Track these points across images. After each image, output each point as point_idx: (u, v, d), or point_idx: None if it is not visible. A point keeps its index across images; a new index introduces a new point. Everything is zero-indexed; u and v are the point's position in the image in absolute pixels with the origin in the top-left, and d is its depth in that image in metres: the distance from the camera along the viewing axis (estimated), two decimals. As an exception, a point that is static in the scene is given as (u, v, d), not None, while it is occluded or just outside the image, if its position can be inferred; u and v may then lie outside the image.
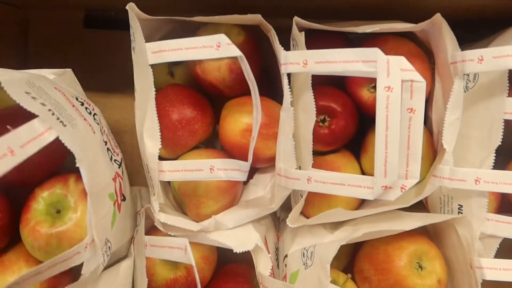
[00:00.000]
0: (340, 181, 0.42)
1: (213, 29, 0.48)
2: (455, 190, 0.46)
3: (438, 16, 0.42)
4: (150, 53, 0.41)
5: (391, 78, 0.37)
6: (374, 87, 0.48)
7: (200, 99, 0.50)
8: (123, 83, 0.57)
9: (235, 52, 0.38)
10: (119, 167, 0.47)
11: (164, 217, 0.44)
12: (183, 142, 0.49)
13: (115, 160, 0.47)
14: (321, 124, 0.48)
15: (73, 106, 0.42)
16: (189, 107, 0.49)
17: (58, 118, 0.37)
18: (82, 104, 0.44)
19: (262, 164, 0.51)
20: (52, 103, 0.38)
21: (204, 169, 0.42)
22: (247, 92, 0.50)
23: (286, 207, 0.52)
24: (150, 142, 0.44)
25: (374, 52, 0.37)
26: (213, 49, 0.38)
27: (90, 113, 0.44)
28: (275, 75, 0.52)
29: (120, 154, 0.50)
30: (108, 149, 0.46)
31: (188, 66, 0.51)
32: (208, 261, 0.49)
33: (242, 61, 0.39)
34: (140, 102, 0.46)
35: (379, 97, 0.38)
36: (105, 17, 0.63)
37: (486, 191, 0.44)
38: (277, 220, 0.59)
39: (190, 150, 0.50)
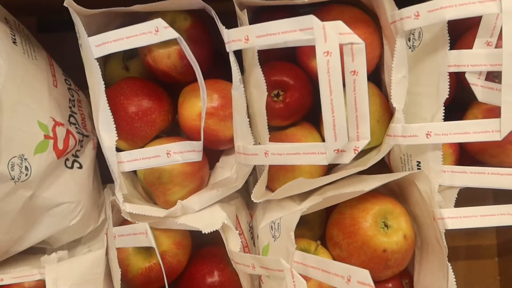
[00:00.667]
0: (295, 150, 0.43)
1: (160, 17, 0.48)
2: (412, 147, 0.48)
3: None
4: (94, 46, 0.42)
5: (329, 43, 0.38)
6: (324, 56, 0.49)
7: (154, 89, 0.51)
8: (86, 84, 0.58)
9: (173, 34, 0.38)
10: (71, 125, 0.51)
11: (130, 207, 0.45)
12: (143, 133, 0.50)
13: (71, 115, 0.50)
14: (275, 99, 0.49)
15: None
16: (143, 98, 0.49)
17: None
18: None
19: (225, 145, 0.52)
20: None
21: (161, 154, 0.43)
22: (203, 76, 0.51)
23: None
24: (106, 135, 0.44)
25: (310, 19, 0.38)
26: (152, 34, 0.39)
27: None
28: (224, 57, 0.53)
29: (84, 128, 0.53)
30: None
31: (141, 58, 0.51)
32: (182, 246, 0.50)
33: (181, 42, 0.39)
34: (93, 98, 0.47)
35: (319, 62, 0.38)
36: (58, 20, 0.63)
37: (440, 144, 0.45)
38: (250, 199, 0.59)
39: (151, 141, 0.51)
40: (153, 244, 0.42)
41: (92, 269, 0.47)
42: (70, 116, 0.52)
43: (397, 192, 0.52)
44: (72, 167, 0.50)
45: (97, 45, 0.42)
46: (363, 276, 0.34)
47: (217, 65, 0.54)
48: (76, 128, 0.52)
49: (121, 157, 0.44)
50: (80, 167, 0.51)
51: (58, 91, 0.51)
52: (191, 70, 0.50)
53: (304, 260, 0.40)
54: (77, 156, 0.52)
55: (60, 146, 0.48)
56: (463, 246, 0.64)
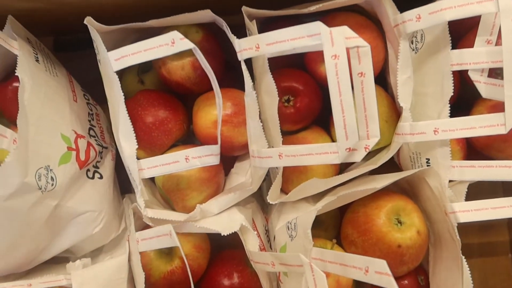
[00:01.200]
0: (308, 151, 0.44)
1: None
2: (420, 145, 0.49)
3: (376, -15, 0.45)
4: (113, 60, 0.44)
5: (336, 47, 0.40)
6: (331, 62, 0.51)
7: (170, 99, 0.53)
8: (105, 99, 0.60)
9: (188, 45, 0.41)
10: (91, 137, 0.53)
11: (151, 212, 0.47)
12: (160, 142, 0.52)
13: (90, 128, 0.53)
14: (286, 104, 0.51)
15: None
16: (160, 108, 0.52)
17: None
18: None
19: (239, 151, 0.54)
20: None
21: (180, 160, 0.45)
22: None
23: None
24: (127, 144, 0.46)
25: (317, 25, 0.40)
26: (168, 46, 0.41)
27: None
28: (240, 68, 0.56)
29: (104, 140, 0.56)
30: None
31: (156, 71, 0.54)
32: (201, 249, 0.51)
33: (196, 52, 0.42)
34: (112, 110, 0.49)
35: (328, 66, 0.40)
36: (74, 40, 0.66)
37: (448, 141, 0.47)
38: (265, 204, 0.61)
39: (168, 149, 0.53)
40: (178, 243, 0.44)
41: (116, 275, 0.48)
42: (89, 129, 0.54)
43: (408, 191, 0.53)
44: (93, 178, 0.53)
45: (116, 59, 0.44)
46: (381, 266, 0.36)
47: (228, 76, 0.56)
48: (95, 140, 0.54)
49: (142, 164, 0.46)
50: (101, 177, 0.53)
51: (78, 105, 0.53)
52: (204, 81, 0.52)
53: (322, 256, 0.41)
54: (97, 167, 0.54)
55: (82, 157, 0.50)
56: (476, 243, 0.65)
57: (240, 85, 0.55)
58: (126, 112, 0.45)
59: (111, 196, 0.54)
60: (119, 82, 0.45)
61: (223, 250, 0.55)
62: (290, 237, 0.48)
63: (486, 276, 0.65)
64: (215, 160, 0.45)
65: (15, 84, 0.52)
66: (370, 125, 0.43)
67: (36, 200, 0.45)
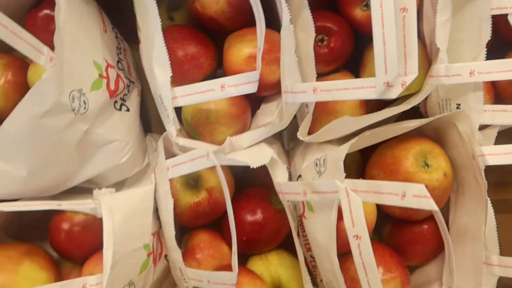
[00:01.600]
0: (344, 86, 0.44)
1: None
2: (452, 90, 0.50)
3: None
4: (153, -17, 0.43)
5: (382, -22, 0.40)
6: (366, 5, 0.51)
7: (201, 35, 0.53)
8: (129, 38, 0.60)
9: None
10: (119, 70, 0.53)
11: (182, 140, 0.47)
12: (191, 76, 0.52)
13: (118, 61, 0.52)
14: (319, 43, 0.51)
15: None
16: (192, 42, 0.51)
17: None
18: None
19: (268, 90, 0.54)
20: None
21: (215, 88, 0.45)
22: (246, 25, 0.53)
23: (294, 137, 0.55)
24: (161, 71, 0.46)
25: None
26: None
27: None
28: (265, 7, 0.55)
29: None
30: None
31: (187, 6, 0.53)
32: (227, 183, 0.52)
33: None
34: (145, 39, 0.49)
35: (373, -2, 0.40)
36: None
37: (481, 85, 0.47)
38: (285, 151, 0.61)
39: (197, 84, 0.53)
40: (216, 162, 0.44)
41: (143, 203, 0.49)
42: (118, 62, 0.54)
43: (433, 138, 0.53)
44: (120, 109, 0.52)
45: (156, -19, 0.43)
46: (419, 189, 0.36)
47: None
48: (123, 73, 0.54)
49: (175, 92, 0.46)
50: (128, 110, 0.53)
51: (107, 36, 0.53)
52: (237, 17, 0.52)
53: (355, 186, 0.41)
54: (124, 100, 0.54)
55: (112, 86, 0.50)
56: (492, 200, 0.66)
57: (269, 25, 0.55)
58: (163, 38, 0.45)
59: (137, 129, 0.54)
60: (156, 7, 0.44)
61: (246, 188, 0.56)
62: (318, 173, 0.48)
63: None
64: (252, 88, 0.45)
65: (45, 11, 0.51)
66: (408, 61, 0.43)
67: (69, 122, 0.45)
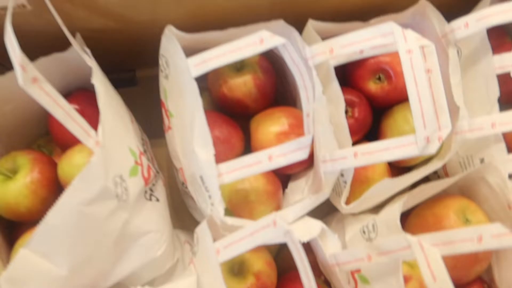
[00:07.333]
0: (385, 146, 0.46)
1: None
2: (473, 146, 0.52)
3: (421, 2, 0.51)
4: (193, 66, 0.45)
5: (409, 43, 0.44)
6: (379, 79, 0.55)
7: (228, 118, 0.54)
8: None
9: (280, 40, 0.43)
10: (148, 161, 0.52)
11: (231, 220, 0.45)
12: (224, 158, 0.51)
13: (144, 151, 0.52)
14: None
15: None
16: (222, 124, 0.52)
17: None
18: None
19: (295, 168, 0.54)
20: None
21: (263, 160, 0.45)
22: (269, 106, 0.55)
23: (319, 214, 0.54)
24: (203, 150, 0.46)
25: (390, 26, 0.44)
26: (257, 45, 0.43)
27: None
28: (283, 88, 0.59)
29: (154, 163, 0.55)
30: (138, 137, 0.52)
31: (211, 91, 0.55)
32: (272, 266, 0.49)
33: (286, 48, 0.44)
34: (180, 123, 0.49)
35: (403, 60, 0.44)
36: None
37: (501, 136, 0.50)
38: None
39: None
40: (287, 226, 0.41)
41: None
42: (144, 151, 0.53)
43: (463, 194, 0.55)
44: (151, 200, 0.50)
45: (196, 65, 0.45)
46: (497, 229, 0.36)
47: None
48: (150, 163, 0.53)
49: (220, 169, 0.45)
50: (157, 200, 0.51)
51: (134, 127, 0.52)
52: (262, 98, 0.54)
53: (423, 241, 0.40)
54: (152, 191, 0.52)
55: (145, 174, 0.48)
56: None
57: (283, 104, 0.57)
58: (204, 117, 0.45)
59: (169, 220, 0.52)
60: (197, 88, 0.45)
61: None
62: (368, 240, 0.47)
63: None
64: (303, 155, 0.45)
65: (73, 106, 0.51)
66: (440, 117, 0.46)
67: (112, 210, 0.42)
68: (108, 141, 0.43)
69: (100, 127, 0.42)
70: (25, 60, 0.34)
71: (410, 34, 0.44)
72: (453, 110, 0.50)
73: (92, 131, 0.41)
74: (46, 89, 0.35)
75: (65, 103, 0.37)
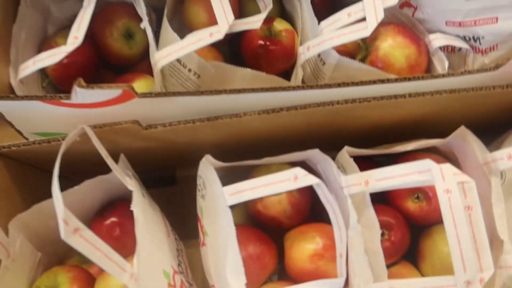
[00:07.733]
0: (422, 285, 0.44)
1: (266, 169, 0.54)
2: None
3: (462, 128, 0.50)
4: (228, 195, 0.46)
5: (447, 182, 0.43)
6: (418, 198, 0.54)
7: (263, 234, 0.54)
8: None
9: (314, 180, 0.43)
10: (180, 273, 0.52)
11: None
12: (256, 278, 0.51)
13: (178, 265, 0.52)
14: (381, 238, 0.52)
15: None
16: (256, 242, 0.52)
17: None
18: None
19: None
20: None
21: (296, 296, 0.44)
22: (303, 222, 0.55)
23: None
24: (235, 279, 0.46)
25: (427, 163, 0.44)
26: (291, 181, 0.44)
27: None
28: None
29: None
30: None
31: (247, 206, 0.56)
32: None
33: (320, 187, 0.44)
34: (214, 243, 0.50)
35: (441, 200, 0.43)
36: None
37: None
38: None
39: (262, 286, 0.52)
40: None
41: None
42: (178, 264, 0.54)
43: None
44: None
45: (231, 194, 0.46)
46: None
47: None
48: (183, 276, 0.53)
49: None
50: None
51: (170, 240, 0.54)
52: (296, 215, 0.54)
53: None
54: (184, 304, 0.52)
55: (177, 291, 0.49)
56: None
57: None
58: (238, 249, 0.46)
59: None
60: (231, 215, 0.46)
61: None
62: None
63: None
64: (334, 297, 0.44)
65: (112, 219, 0.53)
66: (482, 258, 0.44)
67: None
68: (143, 271, 0.44)
69: (135, 259, 0.43)
70: (68, 213, 0.36)
71: (448, 171, 0.44)
72: (496, 242, 0.48)
73: (127, 265, 0.42)
74: (86, 236, 0.37)
75: (103, 244, 0.39)
